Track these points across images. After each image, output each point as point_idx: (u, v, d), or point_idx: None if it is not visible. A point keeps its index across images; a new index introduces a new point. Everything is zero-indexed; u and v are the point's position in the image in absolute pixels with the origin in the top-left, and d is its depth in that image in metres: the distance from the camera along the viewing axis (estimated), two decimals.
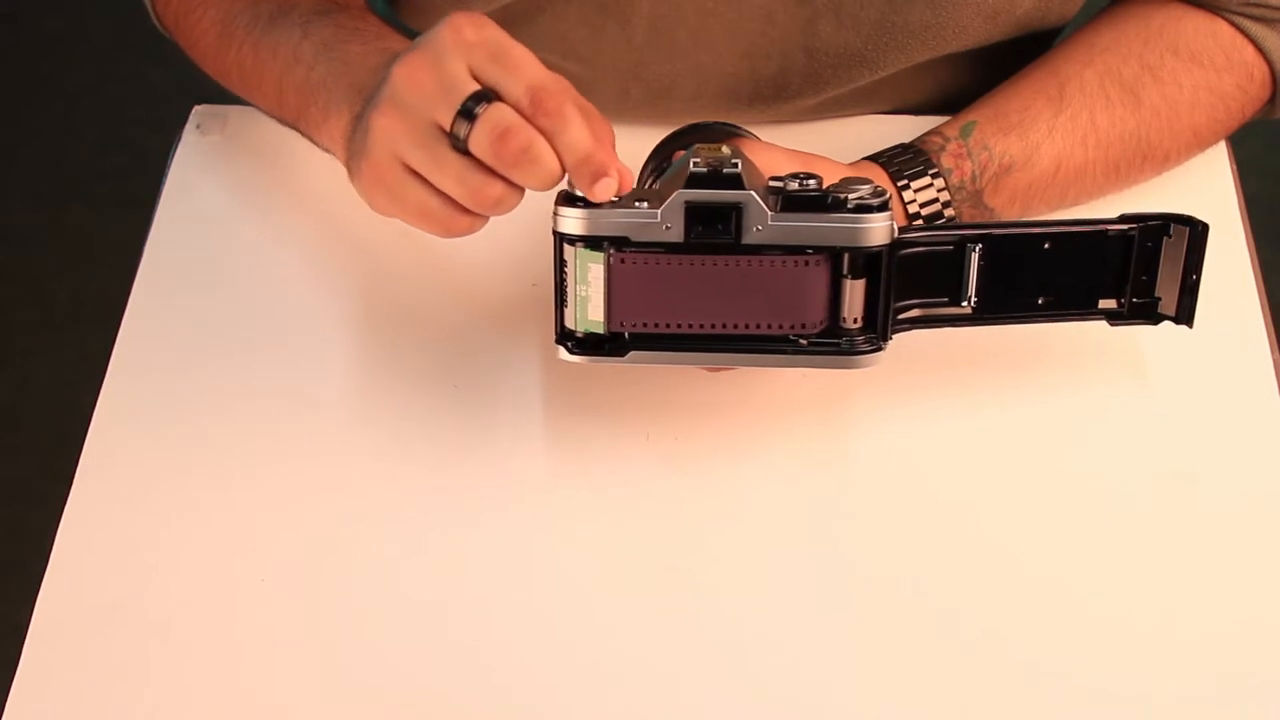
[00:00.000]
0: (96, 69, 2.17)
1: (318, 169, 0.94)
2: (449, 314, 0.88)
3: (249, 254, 0.91)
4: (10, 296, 1.94)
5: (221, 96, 0.98)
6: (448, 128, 0.70)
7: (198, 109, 0.98)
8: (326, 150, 0.83)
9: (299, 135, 0.87)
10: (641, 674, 0.76)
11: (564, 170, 0.71)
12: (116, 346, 0.87)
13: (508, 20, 0.90)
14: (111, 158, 2.06)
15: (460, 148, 0.71)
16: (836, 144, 0.85)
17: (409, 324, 0.88)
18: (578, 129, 0.70)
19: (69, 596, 0.78)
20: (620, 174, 0.70)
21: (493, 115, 0.70)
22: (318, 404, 0.85)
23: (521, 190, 0.72)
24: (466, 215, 0.73)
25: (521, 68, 0.70)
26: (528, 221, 0.78)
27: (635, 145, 0.80)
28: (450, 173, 0.71)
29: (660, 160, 0.83)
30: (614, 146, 0.71)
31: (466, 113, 0.70)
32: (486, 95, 0.70)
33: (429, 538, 0.80)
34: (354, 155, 0.76)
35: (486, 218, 0.74)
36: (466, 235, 0.75)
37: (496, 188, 0.71)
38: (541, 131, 0.70)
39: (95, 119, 2.12)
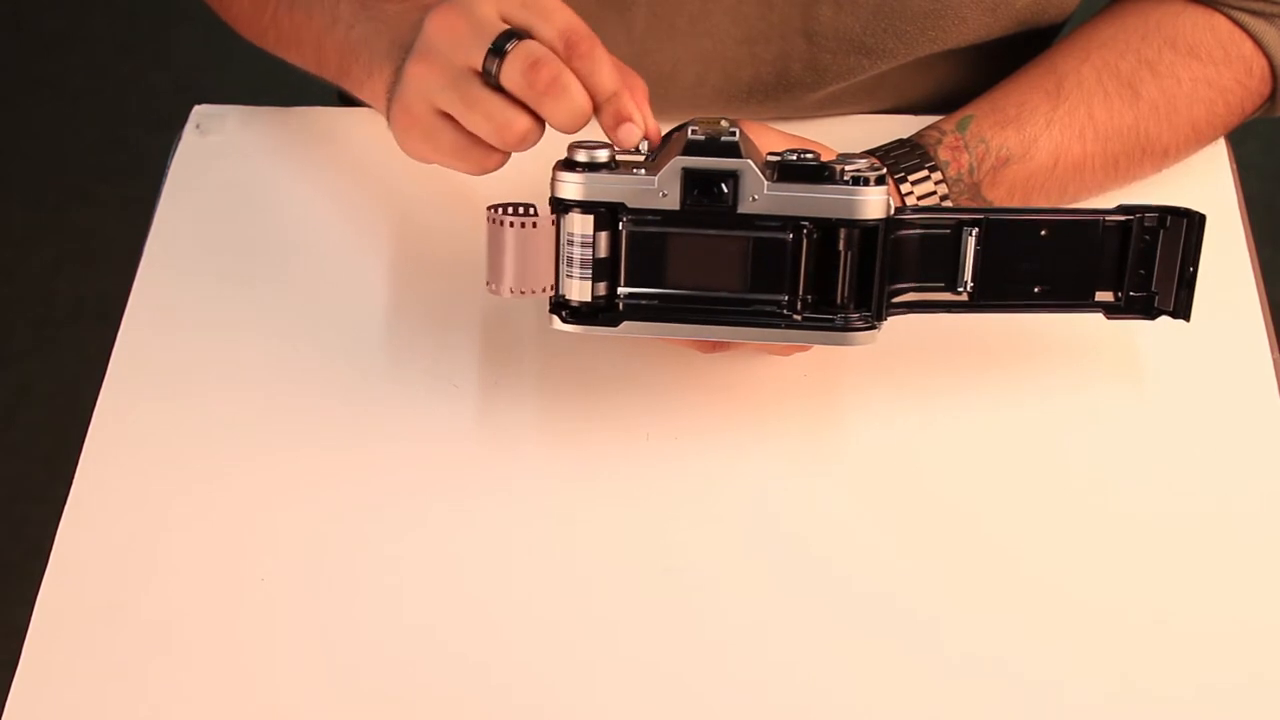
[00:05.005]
0: (96, 69, 2.17)
1: (317, 169, 0.94)
2: (449, 314, 0.88)
3: (249, 254, 0.91)
4: (10, 296, 1.95)
5: (221, 96, 0.99)
6: (479, 67, 0.73)
7: (198, 109, 0.98)
8: (370, 105, 0.84)
9: (298, 135, 0.87)
10: (641, 674, 0.76)
11: (592, 110, 0.73)
12: (116, 346, 0.87)
13: None
14: (111, 158, 2.06)
15: (492, 83, 0.73)
16: (837, 142, 0.85)
17: (409, 324, 0.88)
18: (608, 72, 0.73)
19: (69, 596, 0.78)
20: (648, 125, 0.73)
21: (524, 48, 0.72)
22: (317, 404, 0.85)
23: (543, 126, 0.74)
24: (496, 153, 0.76)
25: (552, 12, 0.73)
26: None
27: None
28: (480, 110, 0.74)
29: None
30: (647, 100, 0.75)
31: (498, 49, 0.73)
32: (518, 34, 0.73)
33: (429, 538, 0.80)
34: (391, 103, 0.78)
35: (509, 155, 0.76)
36: (496, 171, 0.77)
37: (523, 121, 0.73)
38: (575, 72, 0.72)
39: (95, 119, 2.12)
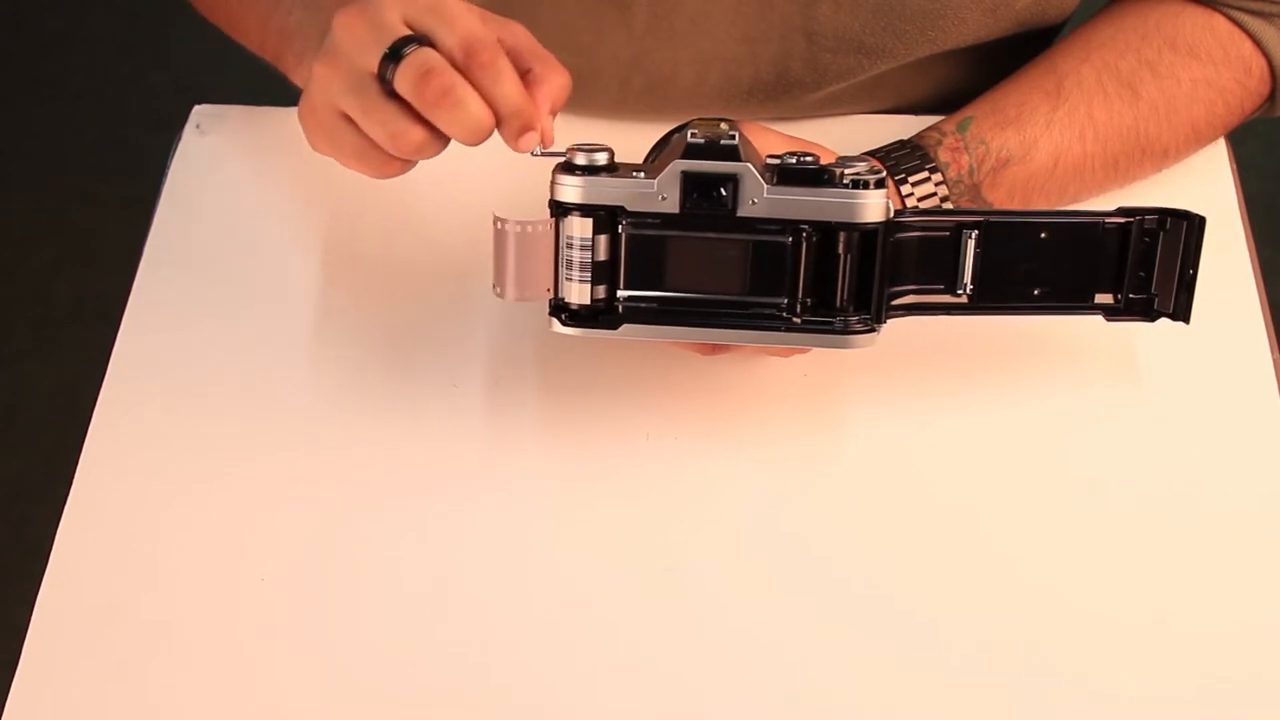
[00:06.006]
0: (96, 69, 2.17)
1: (317, 169, 0.94)
2: (449, 314, 0.88)
3: (248, 254, 0.91)
4: (10, 296, 1.95)
5: (221, 96, 0.98)
6: (376, 71, 0.72)
7: (198, 109, 0.98)
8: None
9: (298, 135, 0.87)
10: (641, 674, 0.76)
11: (494, 123, 0.71)
12: (116, 346, 0.87)
13: (508, 13, 0.90)
14: (111, 158, 2.06)
15: (388, 89, 0.72)
16: (837, 143, 0.85)
17: (409, 323, 0.88)
18: (509, 83, 0.71)
19: (69, 596, 0.78)
20: (543, 130, 0.72)
21: (418, 57, 0.71)
22: (317, 404, 0.85)
23: (444, 139, 0.73)
24: (396, 160, 0.75)
25: (456, 20, 0.72)
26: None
27: (636, 141, 0.80)
28: (375, 117, 0.72)
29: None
30: (559, 97, 0.73)
31: (394, 55, 0.71)
32: (417, 40, 0.72)
33: (429, 537, 0.80)
34: (301, 100, 0.78)
35: (414, 162, 0.75)
36: (398, 177, 0.76)
37: (417, 133, 0.72)
38: (474, 84, 0.71)
39: (95, 119, 2.12)
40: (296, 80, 0.83)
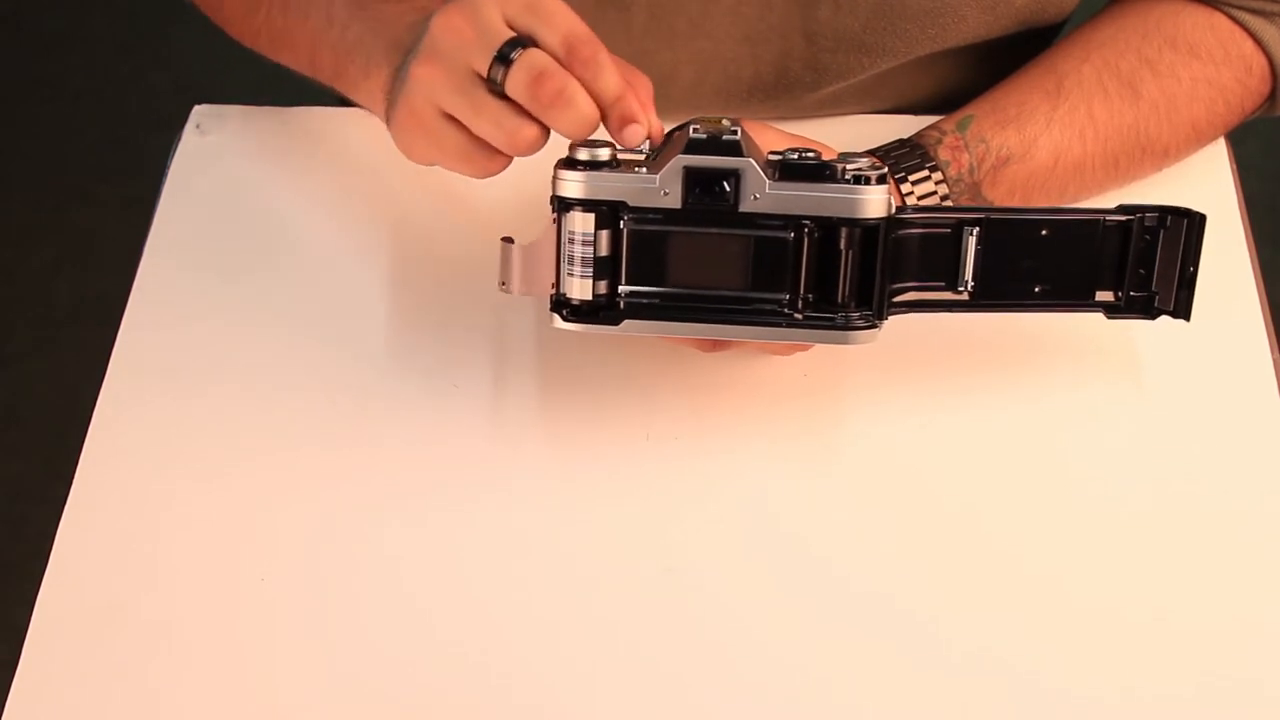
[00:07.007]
0: (96, 69, 2.17)
1: (318, 169, 0.95)
2: (449, 313, 0.88)
3: (249, 254, 0.91)
4: (10, 296, 1.95)
5: (221, 96, 0.99)
6: (485, 73, 0.73)
7: (198, 109, 0.98)
8: (364, 107, 0.84)
9: (298, 135, 0.87)
10: (641, 673, 0.76)
11: (600, 117, 0.73)
12: (116, 346, 0.87)
13: None
14: (111, 158, 2.06)
15: (497, 91, 0.73)
16: (837, 142, 0.85)
17: (409, 323, 0.88)
18: (611, 76, 0.72)
19: (69, 596, 0.78)
20: (651, 125, 0.73)
21: (529, 59, 0.72)
22: (318, 404, 0.85)
23: (549, 132, 0.74)
24: (501, 156, 0.76)
25: (555, 17, 0.73)
26: (530, 224, 0.78)
27: None
28: (488, 116, 0.73)
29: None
30: (651, 99, 0.74)
31: (503, 58, 0.72)
32: (522, 42, 0.72)
33: (429, 537, 0.80)
34: (393, 105, 0.78)
35: (512, 158, 0.76)
36: (499, 174, 0.77)
37: (531, 129, 0.73)
38: (578, 78, 0.72)
39: (95, 119, 2.12)
40: (361, 95, 0.83)
